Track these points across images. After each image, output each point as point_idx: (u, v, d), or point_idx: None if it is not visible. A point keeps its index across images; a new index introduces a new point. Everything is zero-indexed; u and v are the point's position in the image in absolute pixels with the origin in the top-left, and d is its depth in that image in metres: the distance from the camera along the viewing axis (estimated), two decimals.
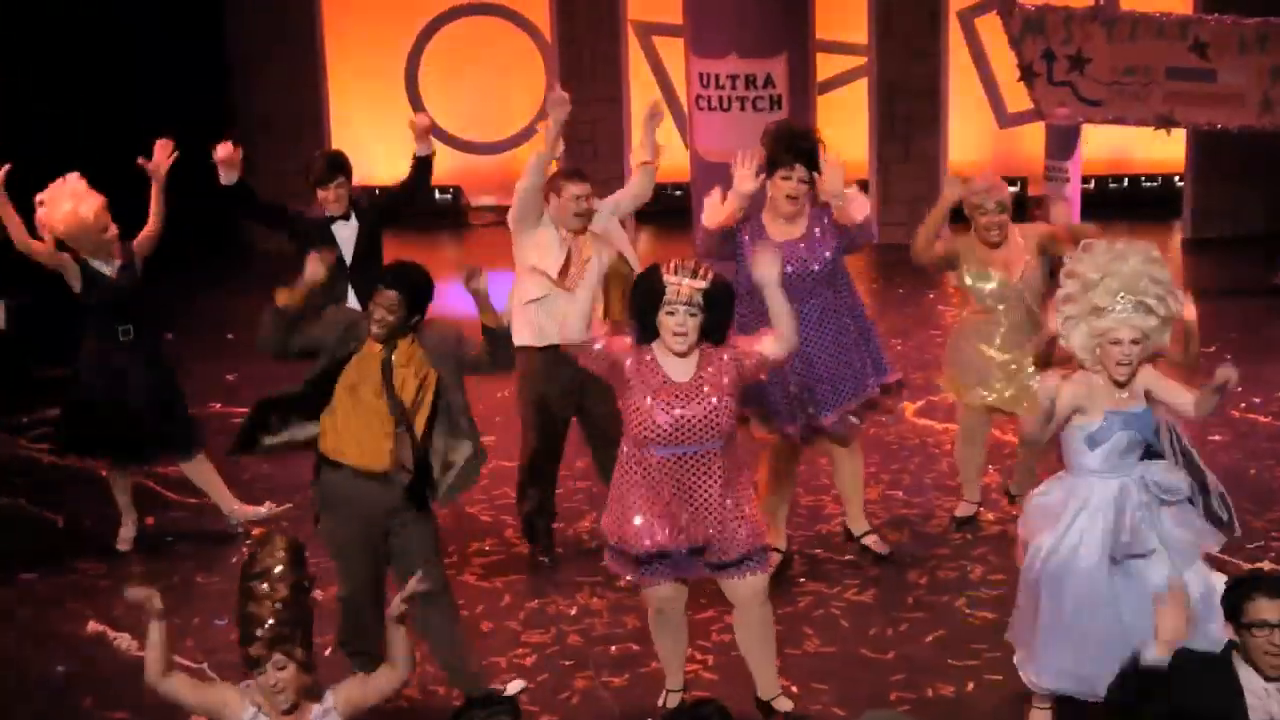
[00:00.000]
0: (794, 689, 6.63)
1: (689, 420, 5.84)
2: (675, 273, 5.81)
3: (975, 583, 7.49)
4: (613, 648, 7.02)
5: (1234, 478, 8.24)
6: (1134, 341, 5.74)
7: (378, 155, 12.80)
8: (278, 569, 4.88)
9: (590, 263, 6.33)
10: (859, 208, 7.18)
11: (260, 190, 8.11)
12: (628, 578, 6.25)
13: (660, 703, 6.47)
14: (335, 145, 12.74)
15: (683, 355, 5.87)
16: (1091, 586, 5.88)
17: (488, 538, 8.02)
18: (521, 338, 7.36)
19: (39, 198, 7.59)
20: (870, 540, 7.70)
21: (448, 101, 13.09)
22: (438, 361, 6.20)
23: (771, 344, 5.98)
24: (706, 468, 5.91)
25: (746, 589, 6.15)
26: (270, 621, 4.77)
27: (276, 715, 4.83)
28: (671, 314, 5.81)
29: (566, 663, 6.94)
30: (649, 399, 5.86)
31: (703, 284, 5.80)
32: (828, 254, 7.16)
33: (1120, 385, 5.82)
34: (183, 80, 11.80)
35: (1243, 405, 9.27)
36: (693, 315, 5.80)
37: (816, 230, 7.17)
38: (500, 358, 6.33)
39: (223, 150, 7.72)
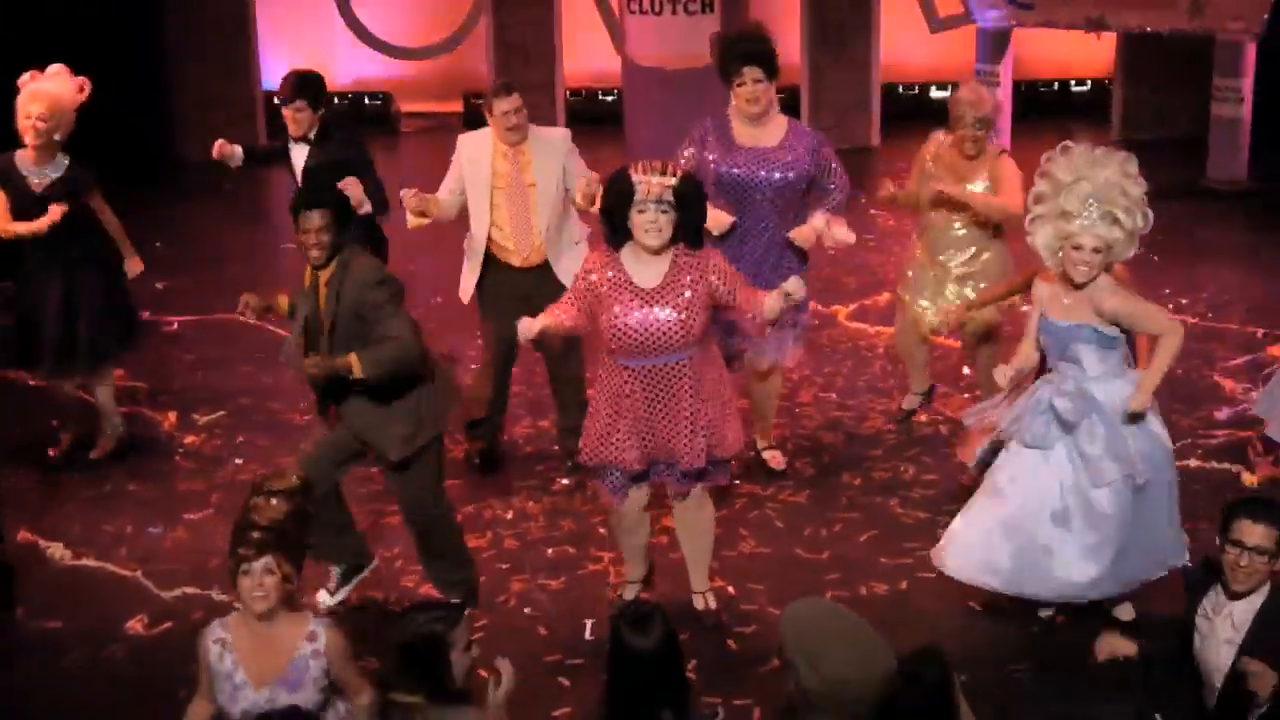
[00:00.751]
0: (730, 589, 6.69)
1: (657, 325, 5.82)
2: (644, 172, 5.81)
3: (908, 483, 7.56)
4: (549, 550, 7.04)
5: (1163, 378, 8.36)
6: (1095, 250, 5.78)
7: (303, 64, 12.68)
8: (283, 490, 4.92)
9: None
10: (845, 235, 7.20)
11: (182, 109, 8.04)
12: (599, 494, 6.29)
13: (618, 594, 6.52)
14: (263, 55, 12.64)
15: (656, 253, 5.84)
16: (1012, 482, 6.05)
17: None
18: (471, 262, 7.46)
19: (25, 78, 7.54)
20: (769, 455, 7.72)
21: (377, 7, 12.96)
22: (348, 302, 6.08)
23: (764, 306, 5.97)
24: (676, 380, 5.92)
25: (685, 501, 6.24)
26: (266, 526, 4.76)
27: (260, 638, 4.80)
28: (643, 211, 5.79)
29: (503, 566, 6.95)
30: (617, 305, 5.85)
31: (672, 180, 5.79)
32: (791, 175, 7.06)
33: (1077, 288, 5.85)
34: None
35: (1170, 306, 9.38)
36: (664, 212, 5.78)
37: (794, 148, 7.08)
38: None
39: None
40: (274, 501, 4.84)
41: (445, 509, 6.52)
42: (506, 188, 7.29)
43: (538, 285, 7.24)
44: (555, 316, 5.97)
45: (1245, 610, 4.82)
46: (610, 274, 5.88)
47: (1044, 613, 6.34)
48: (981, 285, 7.47)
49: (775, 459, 7.69)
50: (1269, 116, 11.12)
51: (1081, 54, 12.57)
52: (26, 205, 7.50)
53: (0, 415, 8.43)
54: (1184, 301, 9.55)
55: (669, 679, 4.37)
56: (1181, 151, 11.85)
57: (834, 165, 7.17)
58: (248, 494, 4.97)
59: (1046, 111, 12.74)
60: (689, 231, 5.87)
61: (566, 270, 7.18)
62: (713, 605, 6.44)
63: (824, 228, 7.10)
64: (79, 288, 7.65)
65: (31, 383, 8.24)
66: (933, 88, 13.00)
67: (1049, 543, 5.99)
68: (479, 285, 7.48)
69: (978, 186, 7.41)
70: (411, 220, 7.35)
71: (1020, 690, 5.92)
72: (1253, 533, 4.76)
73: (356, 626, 6.49)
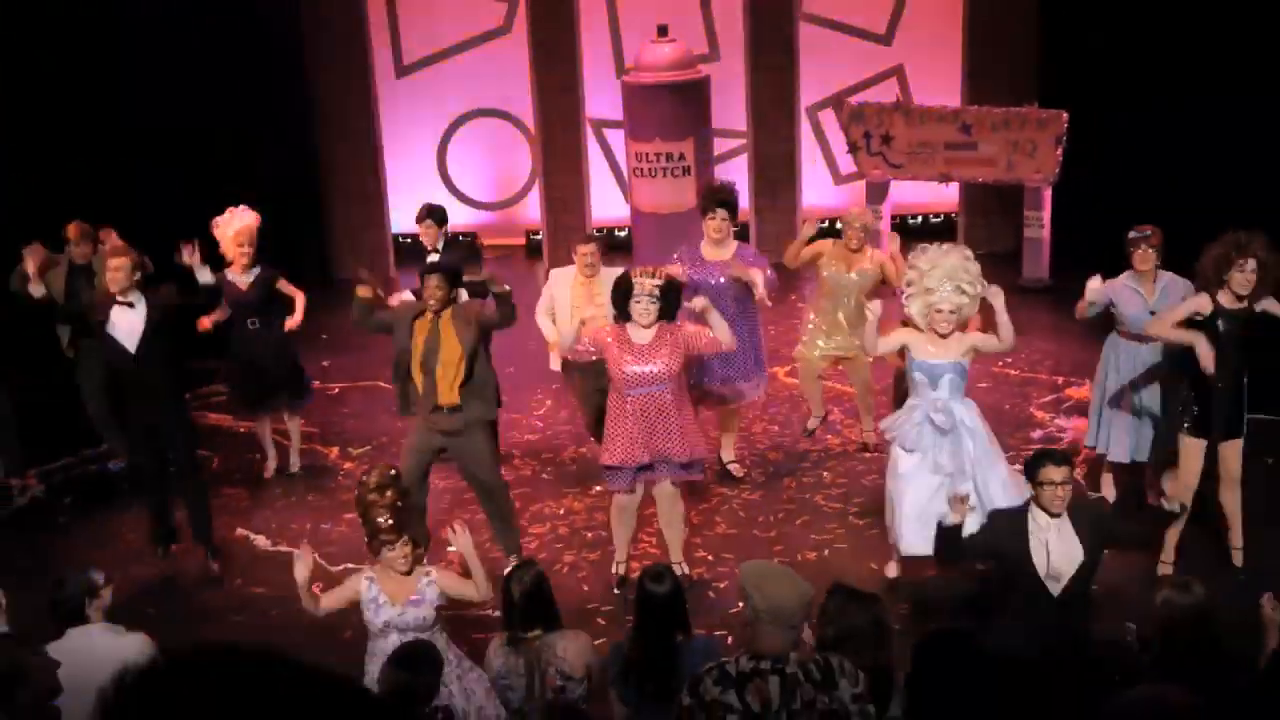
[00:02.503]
0: (709, 557, 6.76)
1: (647, 370, 5.98)
2: (639, 275, 5.95)
3: (828, 484, 7.61)
4: (589, 534, 7.11)
5: (996, 411, 8.38)
6: (951, 311, 5.88)
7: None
8: (385, 483, 4.86)
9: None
10: (757, 278, 7.07)
11: (334, 244, 8.09)
12: (610, 489, 6.32)
13: (614, 571, 6.57)
14: (391, 208, 12.74)
15: (647, 328, 5.97)
16: (914, 480, 6.03)
17: (502, 466, 7.99)
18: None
19: (218, 221, 7.65)
20: (733, 467, 7.74)
21: (465, 174, 13.10)
22: (464, 325, 6.23)
23: (720, 336, 6.11)
24: (662, 401, 6.04)
25: (668, 490, 6.24)
26: (390, 518, 4.78)
27: (396, 579, 4.83)
28: (638, 303, 5.93)
29: (558, 545, 7.04)
30: (624, 358, 5.98)
31: (659, 282, 5.95)
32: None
33: (942, 338, 5.93)
34: (281, 167, 11.71)
35: (1000, 364, 9.42)
36: (654, 303, 5.92)
37: (743, 260, 7.15)
38: (505, 315, 6.32)
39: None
40: (388, 493, 4.81)
41: (500, 478, 6.63)
42: (581, 304, 7.15)
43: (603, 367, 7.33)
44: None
45: (1063, 521, 4.83)
46: (620, 337, 6.02)
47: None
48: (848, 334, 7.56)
49: (737, 469, 7.74)
50: (1061, 236, 11.16)
51: (937, 196, 12.65)
52: (236, 297, 7.62)
53: (218, 450, 8.48)
54: (1008, 360, 9.46)
55: (678, 614, 4.46)
56: (1004, 261, 11.86)
57: (765, 266, 7.21)
58: (358, 494, 4.90)
59: (913, 235, 12.77)
60: (668, 314, 6.02)
61: None
62: (687, 570, 6.46)
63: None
64: (274, 355, 7.76)
65: (242, 429, 8.30)
66: (838, 222, 12.97)
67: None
68: (565, 365, 7.44)
69: (867, 265, 7.53)
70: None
71: (903, 619, 6.00)
72: (1057, 473, 4.76)
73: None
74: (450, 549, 6.92)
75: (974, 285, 5.93)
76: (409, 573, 4.82)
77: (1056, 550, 4.83)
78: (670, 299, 6.04)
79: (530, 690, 4.46)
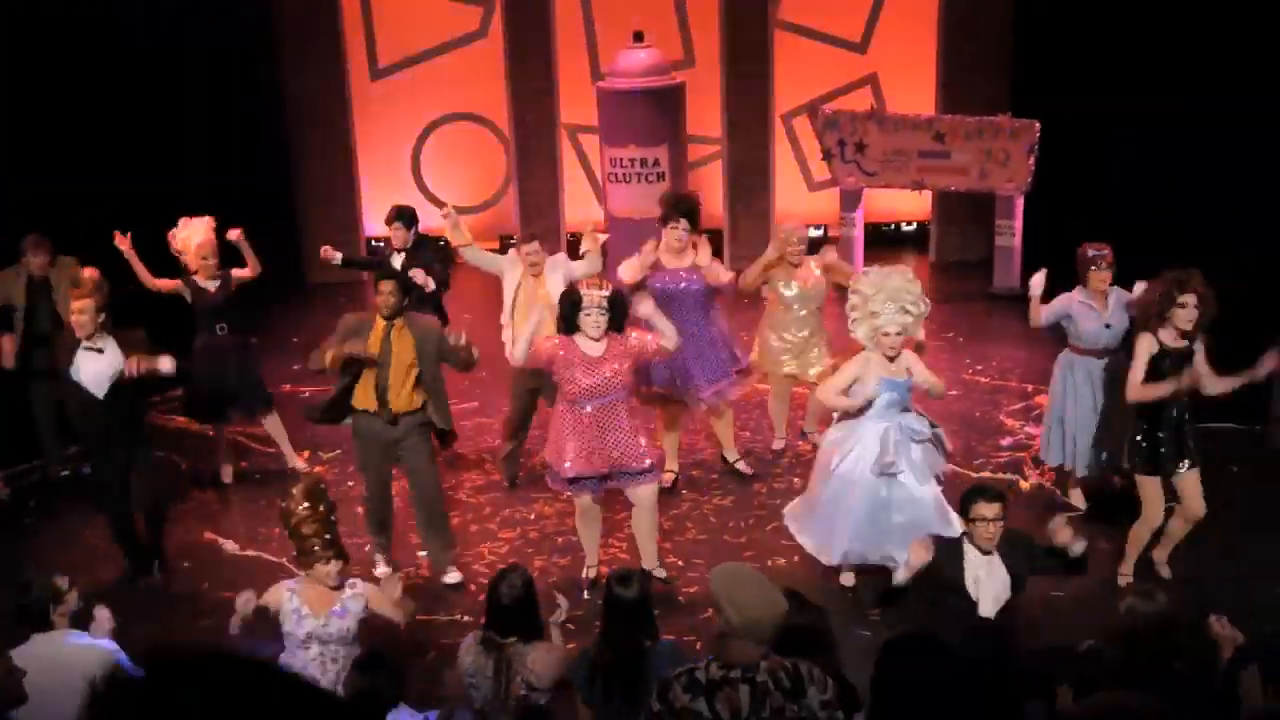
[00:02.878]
0: (679, 563, 6.76)
1: (601, 382, 5.98)
2: (588, 288, 5.97)
3: (798, 491, 7.54)
4: (559, 539, 7.10)
5: (966, 418, 8.46)
6: (898, 333, 5.90)
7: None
8: (316, 496, 4.86)
9: (532, 308, 6.43)
10: (721, 273, 7.25)
11: (308, 246, 8.09)
12: (565, 494, 6.35)
13: (584, 575, 6.56)
14: (364, 211, 12.70)
15: (597, 341, 5.97)
16: (869, 493, 6.04)
17: (474, 471, 8.06)
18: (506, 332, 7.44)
19: (175, 233, 7.57)
20: (740, 465, 7.78)
21: (440, 178, 13.06)
22: (421, 345, 6.21)
23: (664, 342, 6.11)
24: (615, 411, 6.05)
25: (644, 494, 6.26)
26: (326, 536, 4.79)
27: (317, 590, 4.83)
28: (588, 315, 5.95)
29: (529, 550, 7.01)
30: (576, 371, 5.96)
31: (606, 293, 5.98)
32: (695, 286, 7.20)
33: (891, 361, 5.97)
34: (254, 169, 11.67)
35: (970, 371, 9.49)
36: (602, 314, 5.94)
37: (697, 269, 7.21)
38: (464, 363, 6.39)
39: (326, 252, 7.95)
40: (320, 508, 4.81)
41: (439, 488, 6.63)
42: (525, 301, 7.25)
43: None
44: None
45: (994, 559, 4.83)
46: (569, 350, 6.01)
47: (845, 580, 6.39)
48: (816, 347, 7.59)
49: (745, 467, 7.79)
50: (1031, 245, 11.23)
51: (910, 204, 12.70)
52: (208, 304, 7.58)
53: (187, 453, 8.42)
54: (979, 368, 9.61)
55: (645, 618, 4.44)
56: (976, 269, 11.97)
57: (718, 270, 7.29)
58: (290, 506, 4.85)
59: (887, 243, 12.84)
60: (615, 324, 6.04)
61: None
62: (661, 575, 6.49)
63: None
64: (237, 364, 7.71)
65: (210, 433, 8.25)
66: (810, 228, 13.00)
67: (887, 528, 6.02)
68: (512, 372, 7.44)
69: (813, 275, 7.58)
70: (450, 228, 7.45)
71: (873, 624, 6.04)
72: (989, 509, 4.77)
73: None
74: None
75: (917, 304, 5.98)
76: (339, 587, 4.81)
77: (985, 586, 4.84)
78: (618, 309, 6.08)
79: (495, 693, 4.46)
